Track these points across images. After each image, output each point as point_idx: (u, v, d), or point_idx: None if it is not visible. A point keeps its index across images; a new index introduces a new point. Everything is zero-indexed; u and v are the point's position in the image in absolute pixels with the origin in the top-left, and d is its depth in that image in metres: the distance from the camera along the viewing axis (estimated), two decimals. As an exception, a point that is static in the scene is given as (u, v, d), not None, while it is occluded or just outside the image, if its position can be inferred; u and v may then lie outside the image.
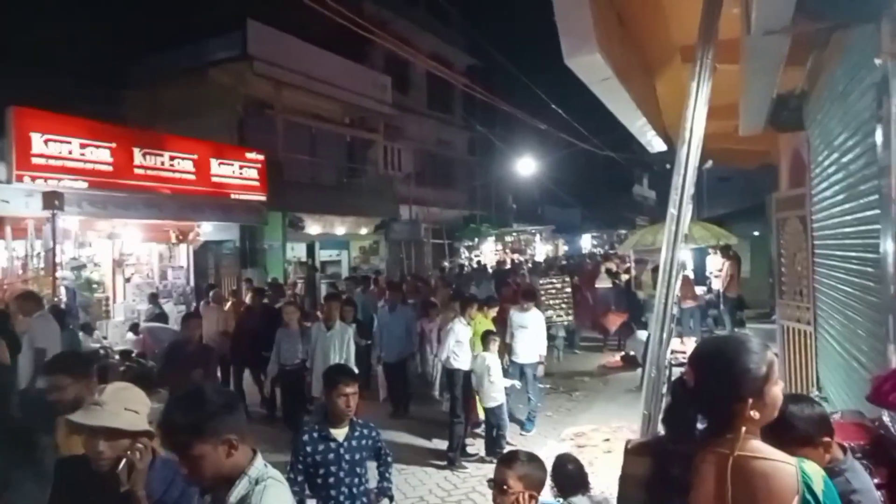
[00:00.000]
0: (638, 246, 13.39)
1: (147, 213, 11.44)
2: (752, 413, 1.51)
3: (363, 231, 19.28)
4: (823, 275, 6.19)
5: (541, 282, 12.29)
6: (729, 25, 4.03)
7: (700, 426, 1.63)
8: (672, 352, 5.49)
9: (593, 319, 13.18)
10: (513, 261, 23.14)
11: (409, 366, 8.88)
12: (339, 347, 6.58)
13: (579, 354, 12.07)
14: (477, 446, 6.91)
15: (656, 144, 8.81)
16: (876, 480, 2.64)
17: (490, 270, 18.58)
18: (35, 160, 9.59)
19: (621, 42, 5.38)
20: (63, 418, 2.42)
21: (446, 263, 21.40)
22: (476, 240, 25.31)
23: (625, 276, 14.37)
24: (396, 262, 19.88)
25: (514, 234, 28.23)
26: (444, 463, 6.54)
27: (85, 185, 10.22)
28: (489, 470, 5.77)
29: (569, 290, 11.84)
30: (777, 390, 1.58)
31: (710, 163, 11.95)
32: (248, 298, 9.98)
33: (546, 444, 6.52)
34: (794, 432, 2.05)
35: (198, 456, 1.84)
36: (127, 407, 2.24)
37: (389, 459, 3.77)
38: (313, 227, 16.74)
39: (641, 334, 9.90)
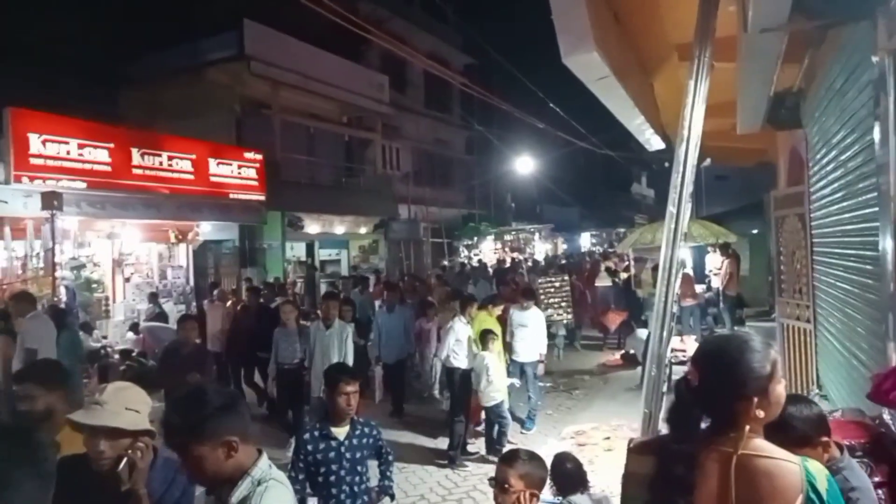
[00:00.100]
0: (637, 244, 13.38)
1: (146, 213, 11.44)
2: (756, 412, 1.51)
3: (362, 230, 19.28)
4: (822, 273, 6.19)
5: (539, 280, 12.30)
6: (726, 23, 4.03)
7: (702, 425, 1.63)
8: (672, 350, 5.50)
9: (593, 318, 13.20)
10: (513, 259, 23.13)
11: (408, 366, 8.86)
12: (338, 346, 6.56)
13: (580, 352, 12.08)
14: (478, 445, 6.92)
15: (654, 143, 8.81)
16: (877, 479, 2.64)
17: (490, 270, 18.56)
18: (33, 161, 9.59)
19: (618, 40, 5.39)
20: (65, 417, 2.42)
21: (446, 262, 21.40)
22: (475, 239, 25.30)
23: (624, 275, 14.38)
24: (395, 262, 19.89)
25: (513, 232, 28.21)
26: (445, 461, 6.55)
27: (83, 185, 10.22)
28: (490, 468, 5.77)
29: (568, 288, 11.85)
30: (781, 389, 1.58)
31: (708, 161, 11.96)
32: (245, 297, 9.99)
33: (546, 443, 6.53)
34: (792, 432, 2.06)
35: (197, 457, 1.84)
36: (128, 406, 2.24)
37: (390, 458, 3.77)
38: (312, 227, 16.74)
39: (641, 332, 9.91)
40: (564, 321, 11.56)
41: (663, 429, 3.32)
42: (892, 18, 3.21)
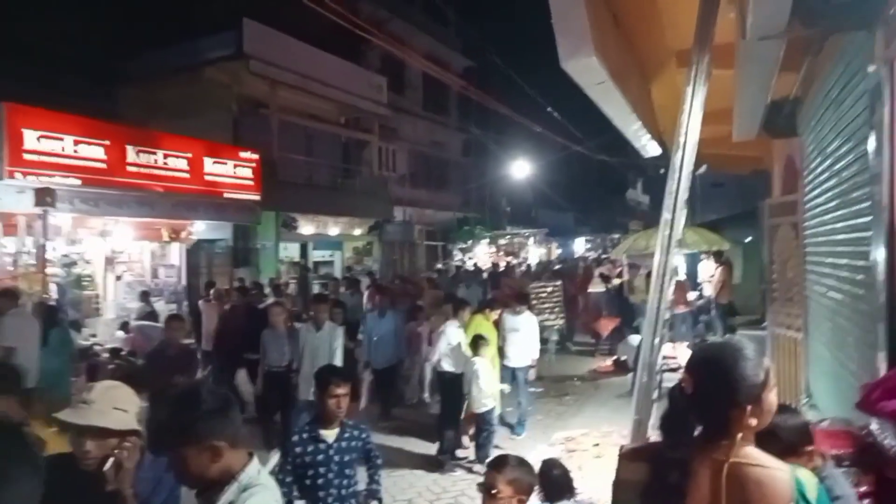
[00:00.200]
0: (631, 251, 13.41)
1: (140, 210, 11.38)
2: (749, 420, 1.52)
3: (357, 232, 19.25)
4: (814, 282, 6.20)
5: (532, 285, 12.31)
6: (724, 30, 4.04)
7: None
8: (663, 357, 5.49)
9: (585, 323, 13.21)
10: (508, 263, 23.16)
11: (398, 371, 8.72)
12: (328, 349, 6.48)
13: (571, 358, 12.08)
14: (468, 450, 6.90)
15: (651, 149, 8.81)
16: (863, 488, 2.65)
17: (486, 274, 18.55)
18: (27, 157, 9.51)
19: (617, 45, 5.39)
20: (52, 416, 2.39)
21: (440, 265, 21.39)
22: (470, 242, 25.32)
23: (616, 281, 14.40)
24: (390, 264, 19.87)
25: (508, 236, 28.25)
26: (434, 466, 6.52)
27: (78, 182, 10.15)
28: (479, 474, 5.76)
29: (559, 293, 11.86)
30: (773, 397, 1.58)
31: (703, 168, 11.99)
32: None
33: (536, 449, 6.51)
34: (778, 442, 2.06)
35: (182, 457, 1.83)
36: (115, 406, 2.22)
37: (379, 461, 3.76)
38: (307, 228, 16.71)
39: (633, 339, 9.92)
40: (556, 326, 11.56)
41: (653, 436, 3.32)
42: (889, 28, 3.22)
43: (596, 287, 13.69)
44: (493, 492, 2.66)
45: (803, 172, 6.64)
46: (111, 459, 2.13)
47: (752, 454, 1.52)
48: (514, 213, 31.17)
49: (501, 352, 7.57)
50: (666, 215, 3.59)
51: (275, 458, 3.27)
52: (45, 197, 9.11)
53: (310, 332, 6.64)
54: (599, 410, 8.43)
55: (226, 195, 13.29)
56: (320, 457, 3.37)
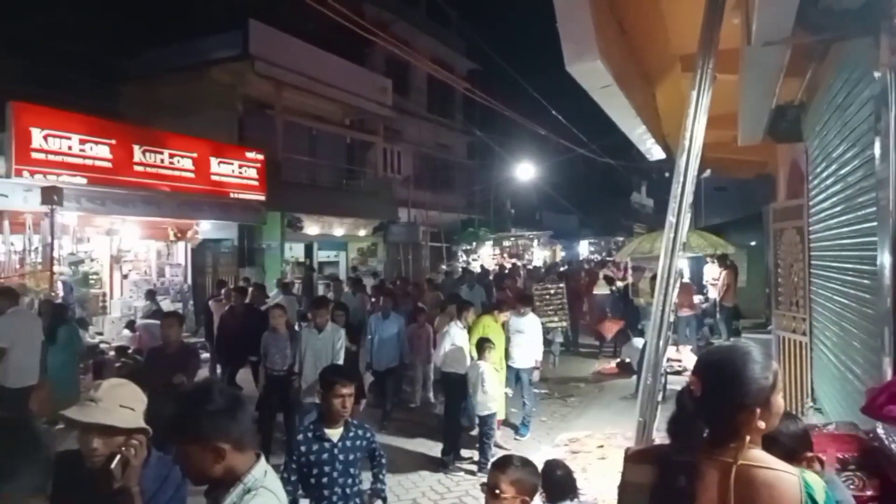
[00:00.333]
0: (635, 254, 13.39)
1: (146, 210, 11.44)
2: (758, 422, 1.52)
3: (361, 233, 19.29)
4: (820, 286, 6.20)
5: (535, 287, 12.31)
6: (729, 35, 4.05)
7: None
8: (668, 360, 5.50)
9: (589, 325, 13.20)
10: (513, 265, 23.14)
11: (400, 373, 8.63)
12: (330, 351, 6.40)
13: (575, 359, 12.07)
14: (472, 451, 6.90)
15: (655, 152, 8.83)
16: (869, 492, 2.65)
17: (492, 276, 18.53)
18: (34, 155, 9.59)
19: (622, 49, 5.41)
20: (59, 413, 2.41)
21: (444, 266, 21.40)
22: (474, 244, 25.32)
23: (620, 283, 14.38)
24: (394, 265, 19.89)
25: (512, 238, 28.24)
26: (438, 466, 6.54)
27: (84, 181, 10.22)
28: (483, 474, 5.76)
29: (563, 295, 11.86)
30: (781, 400, 1.59)
31: (708, 172, 11.99)
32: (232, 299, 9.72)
33: (540, 450, 6.51)
34: (778, 448, 2.07)
35: (186, 454, 1.86)
36: (122, 404, 2.23)
37: (383, 461, 3.77)
38: (312, 228, 16.75)
39: (637, 341, 9.91)
40: (561, 328, 11.56)
41: (657, 438, 3.33)
42: (894, 34, 3.22)
43: (600, 289, 13.67)
44: (497, 492, 2.67)
45: (808, 177, 6.64)
46: (118, 457, 2.14)
47: (761, 456, 1.53)
48: (519, 215, 31.16)
49: (506, 353, 7.57)
50: (671, 218, 3.60)
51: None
52: (52, 195, 9.16)
53: (311, 334, 6.57)
54: (603, 412, 8.42)
55: (231, 195, 13.34)
56: (325, 456, 3.38)
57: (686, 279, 12.11)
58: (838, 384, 5.29)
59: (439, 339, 7.26)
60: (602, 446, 6.46)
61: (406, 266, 20.08)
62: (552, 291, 11.96)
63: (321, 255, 18.85)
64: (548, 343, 9.87)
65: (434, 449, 6.91)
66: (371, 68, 19.83)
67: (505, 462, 2.81)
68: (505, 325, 7.63)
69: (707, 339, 12.38)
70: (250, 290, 10.15)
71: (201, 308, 13.19)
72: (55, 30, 14.63)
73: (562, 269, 21.91)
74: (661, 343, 3.48)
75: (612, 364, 11.21)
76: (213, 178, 12.93)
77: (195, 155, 12.50)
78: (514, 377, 7.55)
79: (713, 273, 13.42)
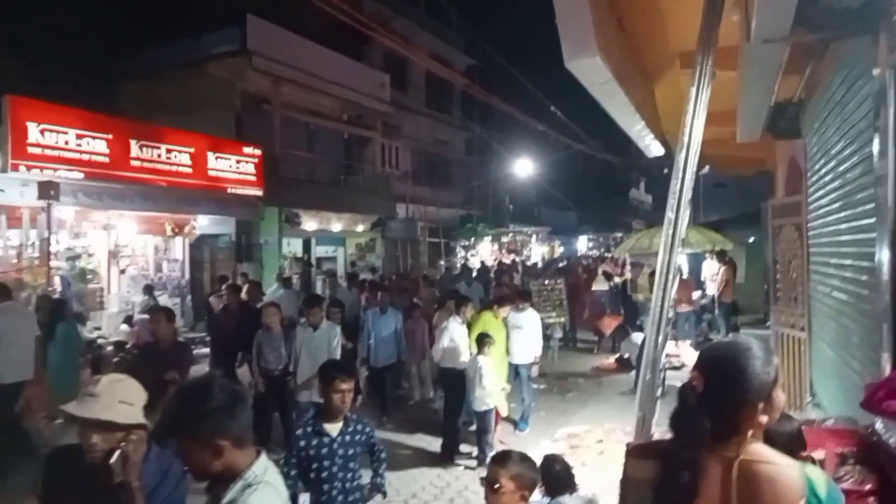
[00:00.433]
0: (634, 249, 13.41)
1: (143, 205, 11.41)
2: (760, 417, 1.53)
3: (359, 228, 19.28)
4: (818, 282, 6.22)
5: (532, 283, 12.31)
6: (728, 33, 4.05)
7: None
8: (666, 355, 5.50)
9: (588, 321, 13.22)
10: (513, 261, 23.14)
11: (397, 369, 8.58)
12: (327, 349, 6.33)
13: (574, 355, 12.09)
14: (472, 446, 6.91)
15: (654, 149, 8.83)
16: (867, 487, 2.67)
17: (492, 272, 18.52)
18: (31, 150, 9.55)
19: (621, 46, 5.40)
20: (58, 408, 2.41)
21: (442, 262, 21.41)
22: (472, 239, 25.33)
23: (618, 279, 14.40)
24: (392, 260, 19.90)
25: (511, 234, 28.26)
26: (438, 461, 6.55)
27: (81, 175, 10.18)
28: (482, 469, 5.77)
29: (561, 290, 11.87)
30: (782, 394, 1.60)
31: (707, 168, 12.00)
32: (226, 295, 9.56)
33: (539, 445, 6.52)
34: (773, 446, 2.09)
35: (185, 449, 1.87)
36: (121, 399, 2.23)
37: (383, 455, 3.78)
38: (309, 224, 16.73)
39: (636, 337, 9.93)
40: (560, 323, 11.58)
41: (656, 433, 3.34)
42: (893, 33, 3.23)
43: (599, 285, 13.68)
44: (496, 487, 2.68)
45: (807, 174, 6.65)
46: (117, 453, 2.14)
47: (762, 451, 1.54)
48: (517, 210, 31.15)
49: (506, 349, 7.56)
50: (669, 215, 3.61)
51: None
52: (48, 190, 9.13)
53: (306, 332, 6.45)
54: (602, 407, 8.44)
55: (229, 190, 13.32)
56: (324, 450, 3.39)
57: (686, 275, 12.13)
58: (837, 379, 5.32)
59: (437, 334, 7.25)
60: (601, 441, 6.48)
61: (404, 262, 20.09)
62: (550, 287, 11.97)
63: (319, 251, 18.84)
64: (546, 338, 9.87)
65: (433, 444, 6.92)
66: (369, 64, 19.79)
67: (504, 457, 2.82)
68: (504, 321, 7.62)
69: (706, 335, 12.42)
70: (245, 286, 9.98)
71: (200, 303, 13.21)
72: (54, 29, 14.57)
73: (560, 264, 21.94)
74: (660, 338, 3.49)
75: (611, 359, 11.23)
76: (211, 173, 12.90)
77: (192, 150, 12.47)
78: (514, 372, 7.55)
79: (712, 269, 13.45)
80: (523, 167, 25.81)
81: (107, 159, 10.70)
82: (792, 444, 2.23)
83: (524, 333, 7.58)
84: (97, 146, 10.57)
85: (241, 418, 1.90)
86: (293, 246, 17.51)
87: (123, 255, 12.47)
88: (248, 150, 13.93)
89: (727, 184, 23.89)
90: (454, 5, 23.08)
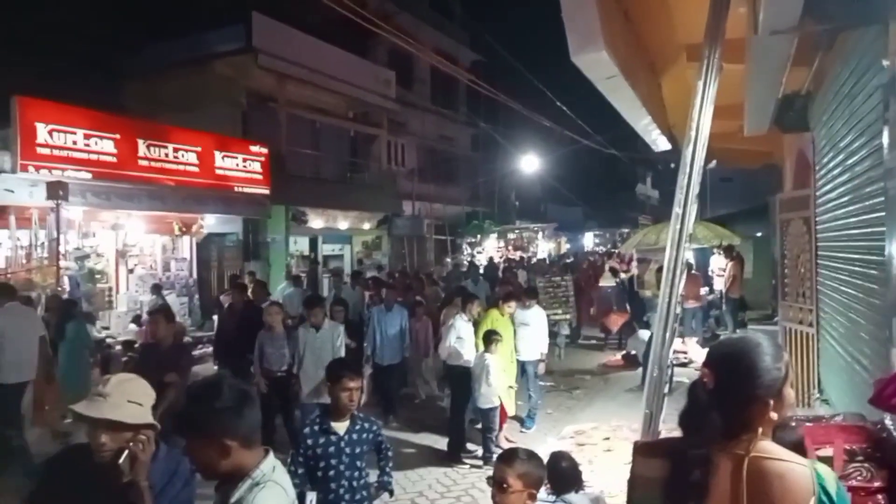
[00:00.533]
0: (641, 245, 13.39)
1: (151, 204, 11.44)
2: (771, 414, 1.52)
3: (366, 226, 19.29)
4: (827, 277, 6.18)
5: (539, 280, 12.30)
6: (736, 25, 4.01)
7: None
8: (674, 352, 5.48)
9: (594, 317, 13.19)
10: (520, 257, 23.09)
11: (404, 368, 8.54)
12: (330, 349, 6.24)
13: (581, 352, 12.08)
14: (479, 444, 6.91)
15: (661, 143, 8.78)
16: (877, 483, 2.65)
17: (500, 269, 18.47)
18: (39, 150, 9.59)
19: (628, 40, 5.37)
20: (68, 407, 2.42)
21: (449, 259, 21.40)
22: (478, 236, 25.30)
23: (624, 275, 14.36)
24: (399, 258, 19.90)
25: (517, 231, 28.22)
26: (444, 459, 6.55)
27: (89, 175, 10.22)
28: (488, 467, 5.77)
29: (567, 286, 11.86)
30: (792, 391, 1.59)
31: (714, 162, 11.93)
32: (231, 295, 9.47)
33: (546, 442, 6.52)
34: None
35: (192, 447, 1.88)
36: (130, 399, 2.24)
37: (389, 454, 3.78)
38: (316, 222, 16.75)
39: (643, 333, 9.90)
40: (567, 320, 11.56)
41: (663, 430, 3.32)
42: (903, 23, 3.19)
43: (606, 281, 13.65)
44: (504, 486, 2.66)
45: (815, 167, 6.60)
46: (125, 453, 2.15)
47: (772, 448, 1.53)
48: (523, 207, 31.10)
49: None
50: (677, 210, 3.58)
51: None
52: (57, 190, 9.17)
53: (308, 333, 6.36)
54: (609, 404, 8.43)
55: (236, 189, 13.35)
56: (331, 449, 3.40)
57: (693, 270, 12.08)
58: (845, 375, 5.28)
59: (444, 332, 7.24)
60: (608, 438, 6.46)
61: (411, 259, 20.08)
62: (556, 284, 11.96)
63: (326, 249, 18.87)
64: (553, 335, 9.86)
65: (439, 442, 6.93)
66: (374, 60, 19.77)
67: (511, 455, 2.81)
68: (511, 319, 7.61)
69: (713, 331, 12.38)
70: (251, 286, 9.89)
71: (208, 302, 13.25)
72: (58, 27, 14.62)
73: (568, 261, 21.89)
74: (668, 335, 3.47)
75: (618, 356, 11.21)
76: (218, 171, 12.93)
77: (199, 149, 12.49)
78: (520, 370, 7.54)
79: (719, 264, 13.39)
80: (529, 163, 25.74)
81: (115, 159, 10.73)
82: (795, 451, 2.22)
83: (530, 330, 7.57)
84: (105, 146, 10.60)
85: (249, 418, 1.90)
86: (300, 244, 17.54)
87: (131, 254, 12.51)
88: (254, 148, 13.95)
89: (734, 178, 23.75)
90: (458, 0, 23.01)
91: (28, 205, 9.80)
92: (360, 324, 8.66)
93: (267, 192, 14.10)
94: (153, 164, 11.49)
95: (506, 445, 6.57)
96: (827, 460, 2.60)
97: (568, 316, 11.68)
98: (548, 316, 8.34)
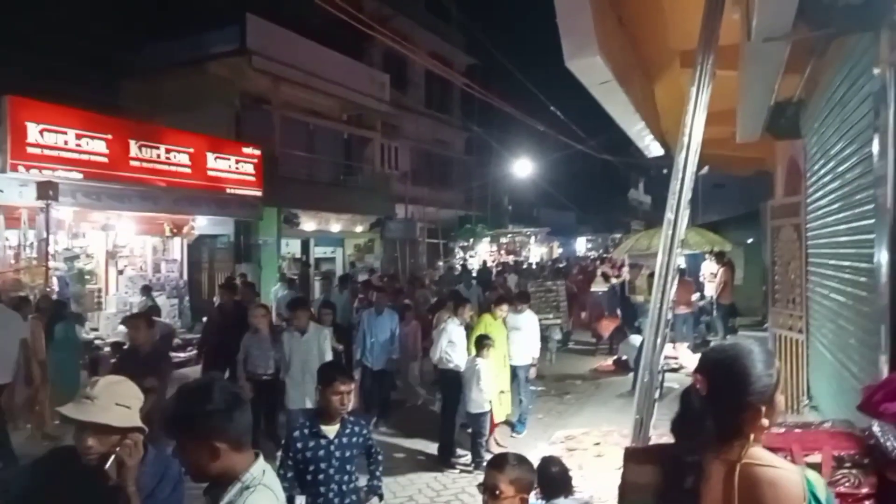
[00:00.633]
0: (633, 251, 13.42)
1: (142, 205, 11.39)
2: (762, 421, 1.52)
3: (358, 229, 19.26)
4: (817, 283, 6.21)
5: (530, 284, 12.30)
6: (729, 31, 4.03)
7: None
8: (665, 357, 5.48)
9: (586, 322, 13.21)
10: (514, 262, 23.10)
11: (393, 373, 8.45)
12: (317, 352, 6.07)
13: (572, 357, 12.08)
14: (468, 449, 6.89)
15: (654, 149, 8.82)
16: (864, 490, 2.65)
17: (494, 274, 18.47)
18: (30, 150, 9.52)
19: (621, 46, 5.39)
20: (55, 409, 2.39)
21: (441, 263, 21.39)
22: (471, 240, 25.31)
23: (615, 280, 14.38)
24: (391, 261, 19.87)
25: (510, 235, 28.25)
26: (434, 464, 6.53)
27: (80, 175, 10.16)
28: (478, 472, 5.76)
29: (560, 291, 11.87)
30: (782, 398, 1.60)
31: (706, 168, 11.99)
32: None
33: (537, 447, 6.50)
34: None
35: (183, 448, 1.86)
36: (118, 402, 2.21)
37: (380, 458, 3.76)
38: (308, 224, 16.71)
39: (634, 339, 9.91)
40: (558, 325, 11.56)
41: (653, 435, 3.32)
42: (894, 31, 3.21)
43: (598, 286, 13.67)
44: (497, 493, 2.65)
45: (806, 174, 6.64)
46: (112, 458, 2.13)
47: (763, 455, 1.53)
48: (516, 211, 31.15)
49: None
50: (669, 215, 3.59)
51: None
52: (47, 190, 9.11)
53: (293, 337, 6.15)
54: (600, 409, 8.43)
55: (228, 190, 13.30)
56: (321, 452, 3.37)
57: (687, 277, 12.12)
58: (834, 382, 5.30)
59: (435, 335, 7.22)
60: (599, 444, 6.45)
61: (403, 262, 20.05)
62: (549, 288, 11.96)
63: (318, 252, 18.81)
64: (545, 340, 9.85)
65: (429, 447, 6.90)
66: (369, 63, 19.77)
67: (501, 461, 2.79)
68: (504, 323, 7.60)
69: (703, 337, 12.41)
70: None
71: (198, 304, 13.19)
72: (55, 25, 14.53)
73: (560, 265, 21.93)
74: (659, 340, 3.47)
75: (609, 361, 11.22)
76: (210, 173, 12.88)
77: (192, 150, 12.44)
78: (511, 374, 7.53)
79: (711, 269, 13.44)
80: (522, 167, 25.80)
81: (106, 159, 10.67)
82: None
83: (522, 335, 7.56)
84: (96, 146, 10.54)
85: (240, 420, 1.89)
86: (292, 247, 17.48)
87: (122, 255, 12.43)
88: (247, 150, 13.90)
89: (726, 184, 23.89)
90: (455, 4, 23.04)
91: (17, 205, 9.73)
92: (348, 328, 8.56)
93: (259, 193, 14.05)
94: (145, 164, 11.44)
95: (496, 450, 6.56)
96: (815, 467, 2.61)
97: (559, 321, 11.69)
98: (539, 320, 8.32)
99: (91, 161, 10.41)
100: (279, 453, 3.67)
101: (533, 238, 29.37)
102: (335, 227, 18.00)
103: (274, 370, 6.37)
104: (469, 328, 7.13)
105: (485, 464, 3.28)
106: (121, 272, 12.36)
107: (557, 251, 33.69)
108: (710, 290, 13.07)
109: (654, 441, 3.09)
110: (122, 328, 10.32)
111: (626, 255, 14.36)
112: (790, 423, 3.34)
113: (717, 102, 4.11)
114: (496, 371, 6.75)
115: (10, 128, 9.31)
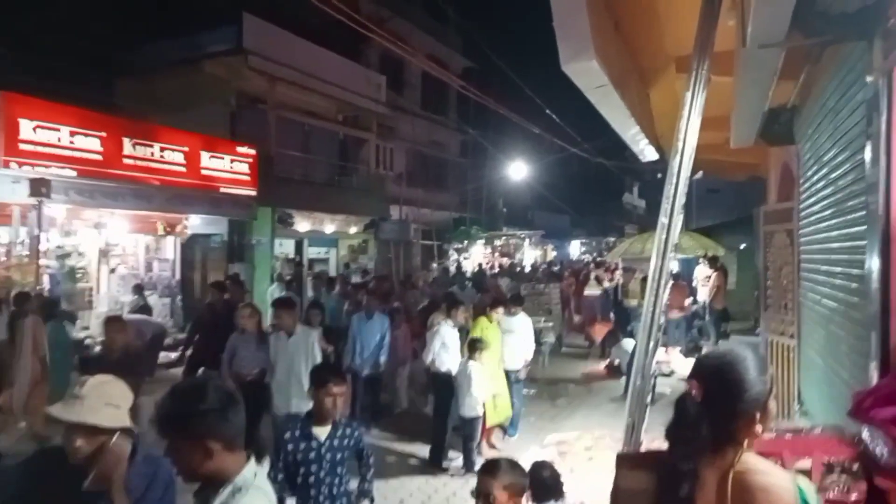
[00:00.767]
0: (627, 254, 13.47)
1: (135, 203, 11.33)
2: (756, 427, 1.53)
3: (352, 230, 19.23)
4: (808, 289, 6.23)
5: (523, 287, 12.32)
6: (724, 37, 4.04)
7: None
8: (657, 362, 5.49)
9: (579, 326, 13.23)
10: (510, 264, 23.09)
11: (385, 378, 8.37)
12: (304, 354, 5.85)
13: (565, 360, 12.09)
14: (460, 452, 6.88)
15: (648, 153, 8.83)
16: (854, 496, 2.66)
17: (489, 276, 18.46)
18: (23, 146, 9.47)
19: (618, 50, 5.40)
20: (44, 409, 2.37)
21: (435, 265, 21.37)
22: (465, 242, 25.31)
23: (607, 283, 14.42)
24: (385, 262, 19.84)
25: (504, 237, 28.27)
26: (426, 467, 6.51)
27: (73, 173, 10.11)
28: (470, 475, 5.75)
29: (552, 294, 11.89)
30: (774, 405, 1.60)
31: (700, 174, 12.04)
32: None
33: (528, 450, 6.51)
34: None
35: (175, 448, 1.84)
36: (107, 402, 2.20)
37: (371, 461, 3.75)
38: (302, 224, 16.67)
39: (627, 343, 9.93)
40: (550, 328, 11.57)
41: (645, 440, 3.32)
42: (887, 39, 3.23)
43: (591, 290, 13.69)
44: (490, 499, 2.64)
45: (799, 180, 6.66)
46: (100, 458, 2.11)
47: (755, 462, 1.54)
48: (511, 214, 31.15)
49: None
50: (663, 220, 3.59)
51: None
52: (40, 187, 9.06)
53: (280, 339, 5.95)
54: (592, 413, 8.43)
55: (222, 190, 13.25)
56: (312, 454, 3.36)
57: (681, 281, 12.15)
58: (825, 387, 5.32)
59: (429, 337, 7.20)
60: (591, 448, 6.47)
61: (397, 264, 20.03)
62: (542, 291, 11.98)
63: (311, 252, 18.76)
64: (538, 343, 9.85)
65: (420, 451, 6.89)
66: (366, 64, 19.75)
67: (494, 467, 2.79)
68: (498, 325, 7.59)
69: (696, 342, 12.45)
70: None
71: (190, 304, 13.13)
72: (51, 24, 14.48)
73: (554, 269, 21.96)
74: (651, 345, 3.47)
75: (602, 365, 11.23)
76: (204, 172, 12.83)
77: (186, 149, 12.40)
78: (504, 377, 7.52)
79: (704, 273, 13.49)
80: (517, 170, 25.82)
81: (100, 157, 10.62)
82: None
83: (515, 338, 7.56)
84: (90, 144, 10.49)
85: (233, 421, 1.88)
86: (285, 247, 17.44)
87: (114, 253, 12.38)
88: (242, 149, 13.87)
89: (720, 189, 24.01)
90: (452, 6, 23.04)
91: (9, 201, 9.67)
92: (337, 330, 8.45)
93: (253, 193, 14.01)
94: (139, 162, 11.39)
95: (489, 452, 6.56)
96: (805, 472, 2.61)
97: (551, 324, 11.69)
98: (532, 323, 8.32)
99: (84, 158, 10.36)
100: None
101: (527, 241, 29.38)
102: (329, 227, 17.96)
103: (259, 370, 6.16)
104: (463, 330, 7.12)
105: (476, 468, 3.27)
106: (113, 271, 12.31)
107: (552, 254, 33.72)
108: (704, 294, 13.12)
109: (645, 445, 3.09)
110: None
111: (620, 258, 14.41)
112: (781, 428, 3.35)
113: (711, 108, 4.12)
114: (491, 374, 6.74)
115: (3, 124, 9.25)
